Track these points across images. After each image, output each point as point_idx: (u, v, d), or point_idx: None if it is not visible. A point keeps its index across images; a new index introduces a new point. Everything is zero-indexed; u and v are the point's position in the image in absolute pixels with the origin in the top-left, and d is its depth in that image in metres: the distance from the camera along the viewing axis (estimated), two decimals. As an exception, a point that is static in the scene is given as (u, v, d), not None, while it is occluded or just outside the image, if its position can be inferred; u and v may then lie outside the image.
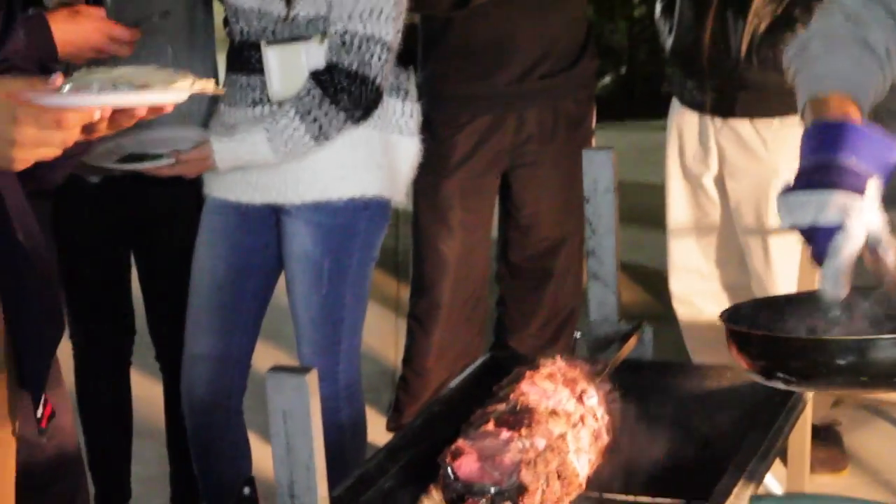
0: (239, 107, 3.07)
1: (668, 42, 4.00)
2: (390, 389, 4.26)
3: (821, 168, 1.93)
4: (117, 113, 1.97)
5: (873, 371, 1.85)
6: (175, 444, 3.65)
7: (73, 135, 1.91)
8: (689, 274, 4.05)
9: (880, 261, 1.92)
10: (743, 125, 3.78)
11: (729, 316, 2.10)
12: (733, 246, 4.02)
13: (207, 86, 2.09)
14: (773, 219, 3.78)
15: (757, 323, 2.11)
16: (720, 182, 3.96)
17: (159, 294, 3.56)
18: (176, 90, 2.00)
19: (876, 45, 2.19)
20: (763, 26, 3.75)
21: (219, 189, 3.17)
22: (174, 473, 3.72)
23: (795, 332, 2.09)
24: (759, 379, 1.99)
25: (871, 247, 1.90)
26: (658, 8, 4.13)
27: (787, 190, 1.94)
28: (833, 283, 1.89)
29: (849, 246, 1.87)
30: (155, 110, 2.01)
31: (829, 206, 1.88)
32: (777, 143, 3.70)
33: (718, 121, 3.85)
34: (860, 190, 1.89)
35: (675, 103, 4.04)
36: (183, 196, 3.23)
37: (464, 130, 3.84)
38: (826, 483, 3.95)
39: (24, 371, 2.25)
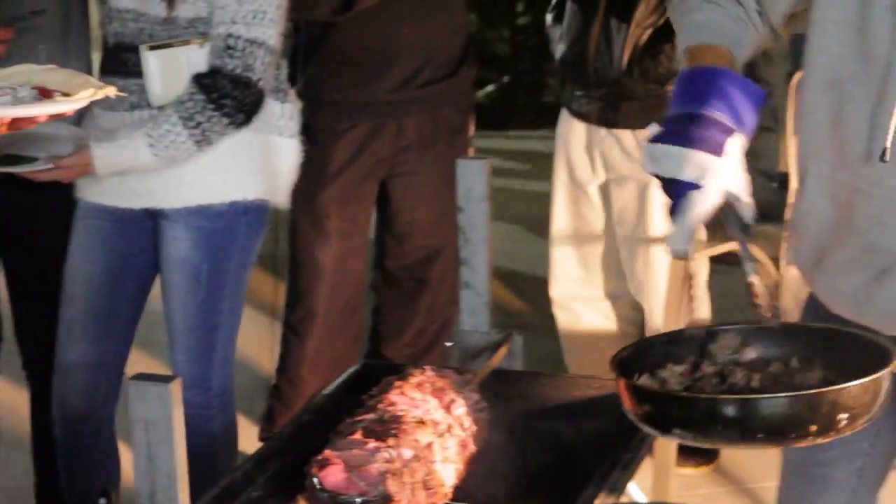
0: (116, 110, 3.04)
1: (558, 51, 4.03)
2: (264, 398, 4.25)
3: (686, 119, 1.97)
4: (18, 120, 1.98)
5: (764, 427, 1.85)
6: (41, 454, 3.61)
7: None
8: (569, 281, 4.08)
9: (759, 295, 1.98)
10: (626, 135, 3.83)
11: (622, 360, 2.08)
12: (613, 255, 4.07)
13: (109, 91, 2.10)
14: (653, 227, 3.84)
15: (649, 364, 2.12)
16: (605, 190, 4.01)
17: (28, 300, 3.52)
18: (81, 98, 1.99)
19: (747, 3, 2.24)
20: (644, 38, 3.79)
21: (93, 193, 3.14)
22: (39, 484, 3.69)
23: (686, 380, 2.11)
24: (648, 430, 1.98)
25: (727, 206, 1.95)
26: (549, 17, 4.14)
27: (655, 138, 1.96)
28: (679, 239, 1.95)
29: (701, 205, 1.91)
30: (53, 116, 2.02)
31: (688, 163, 1.92)
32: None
33: (603, 131, 3.90)
34: (721, 147, 1.92)
35: (564, 113, 4.07)
36: (52, 197, 3.19)
37: (343, 138, 3.84)
38: (691, 475, 4.03)
39: None
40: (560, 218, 4.10)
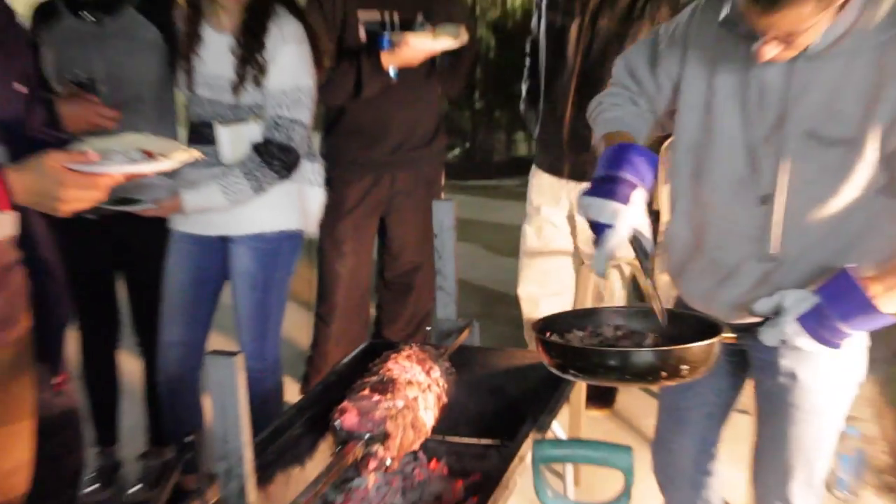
0: (198, 167, 3.00)
1: (535, 129, 3.98)
2: (302, 365, 4.24)
3: (606, 179, 1.99)
4: (131, 174, 1.98)
5: (632, 371, 1.90)
6: (150, 404, 3.59)
7: (103, 192, 1.90)
8: (533, 283, 4.04)
9: (651, 295, 2.02)
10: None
11: (541, 326, 2.13)
12: (566, 265, 4.03)
13: (196, 154, 2.10)
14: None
15: (560, 330, 2.15)
16: (570, 220, 3.96)
17: (139, 298, 3.50)
18: (177, 159, 1.99)
19: (640, 103, 2.27)
20: None
21: (183, 225, 3.13)
22: (149, 425, 3.66)
23: (587, 340, 2.15)
24: (556, 372, 2.01)
25: (635, 238, 1.98)
26: (522, 107, 4.11)
27: (586, 192, 1.99)
28: (599, 263, 1.97)
29: (613, 239, 1.95)
30: (156, 172, 2.03)
31: (604, 210, 1.95)
32: None
33: (573, 182, 3.83)
34: (628, 198, 1.95)
35: (535, 169, 4.00)
36: (155, 227, 3.18)
37: (353, 186, 3.83)
38: (595, 416, 4.03)
39: (42, 350, 2.22)
40: (530, 239, 4.04)
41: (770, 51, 1.89)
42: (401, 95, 3.72)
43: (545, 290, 4.01)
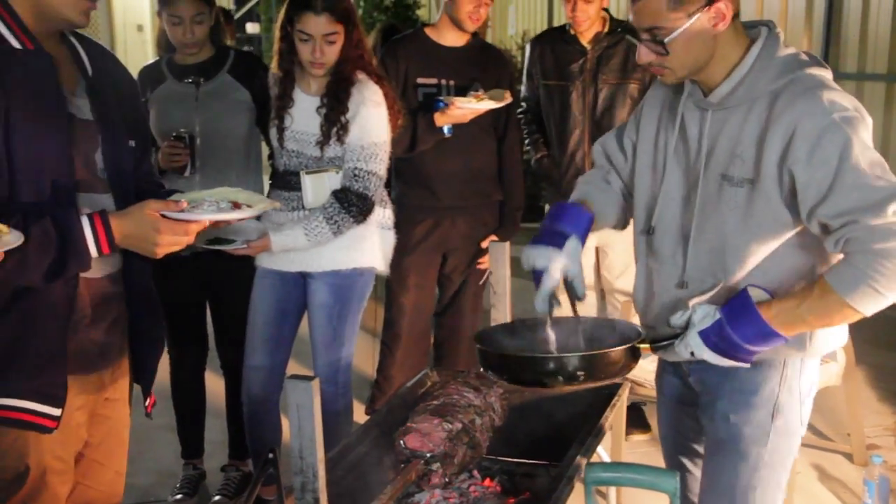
0: (283, 212, 3.05)
1: (539, 160, 4.02)
2: (368, 389, 4.22)
3: (545, 231, 2.04)
4: (220, 221, 2.00)
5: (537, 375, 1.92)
6: (233, 421, 3.59)
7: (193, 237, 1.92)
8: (567, 313, 4.00)
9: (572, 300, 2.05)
10: None
11: (480, 335, 2.15)
12: (589, 295, 3.98)
13: (275, 204, 2.13)
14: (631, 272, 3.81)
15: (497, 341, 2.15)
16: (596, 250, 3.96)
17: (223, 325, 3.51)
18: (257, 209, 2.02)
19: (611, 180, 2.26)
20: None
21: (267, 262, 3.14)
22: (231, 439, 3.66)
23: (524, 348, 2.13)
24: (490, 375, 2.07)
25: (567, 281, 2.02)
26: (534, 165, 4.13)
27: (530, 242, 2.03)
28: (541, 303, 2.01)
29: (549, 282, 1.99)
30: (241, 219, 2.05)
31: (539, 255, 2.00)
32: None
33: None
34: (562, 244, 1.99)
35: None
36: (242, 264, 3.20)
37: (417, 227, 3.83)
38: (634, 440, 3.94)
39: (137, 374, 2.24)
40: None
41: (646, 53, 1.91)
42: (458, 148, 3.74)
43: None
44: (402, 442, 1.98)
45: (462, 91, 3.68)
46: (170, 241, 1.91)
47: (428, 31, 3.80)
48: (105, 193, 2.01)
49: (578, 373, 1.90)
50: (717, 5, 1.83)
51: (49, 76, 1.89)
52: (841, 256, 1.80)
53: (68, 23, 1.92)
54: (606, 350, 1.95)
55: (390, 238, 3.24)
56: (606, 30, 3.89)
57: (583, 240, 2.07)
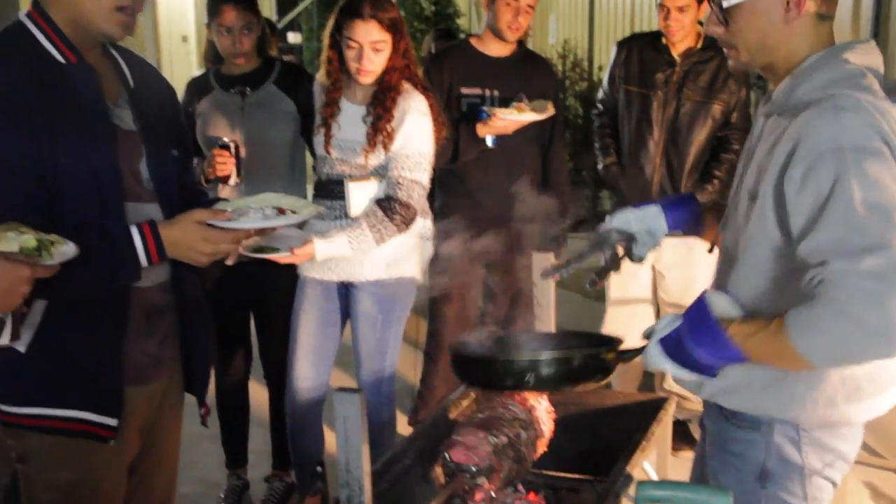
0: (326, 220, 3.06)
1: (607, 166, 3.93)
2: (411, 399, 4.21)
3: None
4: (266, 228, 2.00)
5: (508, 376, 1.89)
6: (276, 431, 3.61)
7: (238, 246, 1.95)
8: (617, 329, 3.93)
9: None
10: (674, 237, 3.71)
11: (457, 344, 2.13)
12: (646, 312, 3.94)
13: (319, 209, 2.14)
14: (689, 296, 3.74)
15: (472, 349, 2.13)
16: (654, 270, 3.89)
17: (268, 336, 3.53)
18: (303, 214, 2.02)
19: None
20: (698, 161, 3.71)
21: (310, 271, 3.16)
22: (275, 449, 3.68)
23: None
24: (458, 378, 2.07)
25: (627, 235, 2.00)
26: (602, 172, 4.04)
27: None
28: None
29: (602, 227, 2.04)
30: (287, 226, 2.06)
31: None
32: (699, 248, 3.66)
33: None
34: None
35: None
36: (284, 274, 3.21)
37: (459, 238, 3.81)
38: (680, 456, 3.88)
39: (190, 383, 2.26)
40: (615, 290, 3.97)
41: (713, 21, 1.79)
42: (501, 159, 3.72)
43: (629, 335, 3.92)
44: (447, 455, 1.96)
45: (506, 101, 3.66)
46: (216, 250, 1.93)
47: (472, 41, 3.80)
48: (151, 203, 2.04)
49: (527, 377, 1.85)
50: None
51: (92, 88, 1.92)
52: None
53: (106, 35, 1.95)
54: (552, 356, 1.89)
55: (428, 249, 3.24)
56: (699, 46, 3.77)
57: (673, 219, 1.97)
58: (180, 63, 14.37)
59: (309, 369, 3.20)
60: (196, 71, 3.63)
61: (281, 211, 2.02)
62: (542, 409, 2.22)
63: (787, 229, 1.63)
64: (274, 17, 13.50)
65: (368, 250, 2.98)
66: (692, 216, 2.03)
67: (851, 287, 1.47)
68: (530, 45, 4.74)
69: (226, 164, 3.16)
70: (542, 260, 2.65)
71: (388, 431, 3.24)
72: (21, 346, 1.86)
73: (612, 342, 1.96)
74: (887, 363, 1.69)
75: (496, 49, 3.74)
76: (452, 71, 3.72)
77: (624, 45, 3.97)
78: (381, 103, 2.99)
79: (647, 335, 1.76)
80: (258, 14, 3.32)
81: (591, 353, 1.91)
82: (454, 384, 3.86)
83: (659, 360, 1.71)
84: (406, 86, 3.03)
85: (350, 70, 3.01)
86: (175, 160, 2.13)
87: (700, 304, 1.67)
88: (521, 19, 3.65)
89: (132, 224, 1.89)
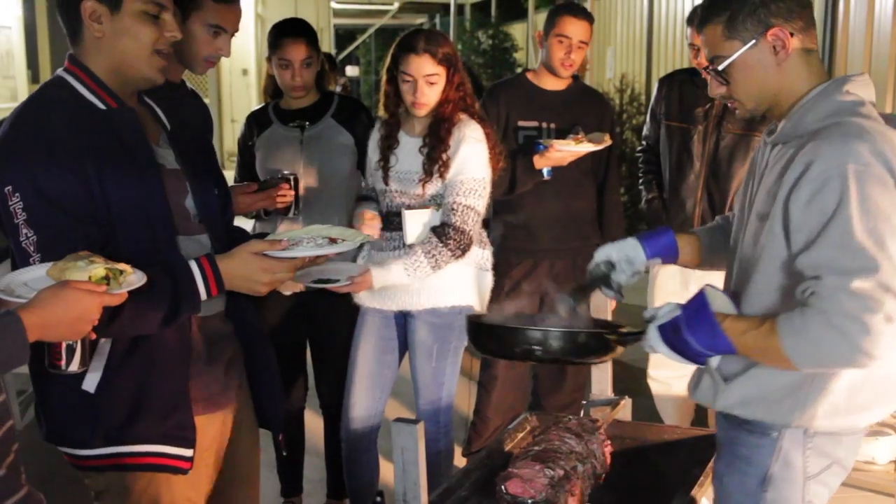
0: (385, 250, 3.09)
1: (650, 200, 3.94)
2: (465, 430, 4.21)
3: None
4: (320, 257, 2.04)
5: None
6: (332, 459, 3.62)
7: (293, 273, 1.99)
8: (663, 366, 3.90)
9: None
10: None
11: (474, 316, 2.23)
12: None
13: (371, 235, 2.17)
14: None
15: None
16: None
17: (324, 367, 3.55)
18: (355, 241, 2.06)
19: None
20: (733, 195, 3.66)
21: (369, 301, 3.18)
22: (329, 478, 3.69)
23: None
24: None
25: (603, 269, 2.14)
26: (645, 206, 4.04)
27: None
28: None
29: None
30: (338, 253, 2.10)
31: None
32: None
33: (699, 271, 3.68)
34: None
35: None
36: (341, 306, 3.24)
37: (515, 268, 3.82)
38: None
39: (260, 410, 2.29)
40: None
41: (714, 85, 1.92)
42: (557, 191, 3.73)
43: (676, 371, 3.89)
44: (503, 487, 1.97)
45: (563, 134, 3.68)
46: (274, 279, 1.96)
47: (529, 75, 3.84)
48: (201, 234, 2.09)
49: (535, 348, 1.93)
50: (773, 31, 1.82)
51: (135, 129, 1.98)
52: None
53: (146, 79, 1.99)
54: (563, 329, 1.97)
55: (488, 279, 3.24)
56: None
57: (650, 249, 2.11)
58: (240, 96, 14.66)
59: (365, 396, 3.22)
60: (255, 104, 3.70)
61: (332, 240, 2.05)
62: (599, 442, 2.21)
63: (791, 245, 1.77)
64: (333, 51, 13.70)
65: (425, 277, 2.99)
66: (667, 246, 2.16)
67: (839, 302, 1.64)
68: (587, 80, 4.76)
69: (286, 196, 3.20)
70: (599, 294, 2.64)
71: (444, 462, 3.23)
72: (91, 384, 1.92)
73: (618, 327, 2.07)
74: (892, 374, 1.83)
75: (552, 83, 3.77)
76: (509, 104, 3.75)
77: (665, 81, 4.00)
78: (436, 133, 3.03)
79: (648, 319, 1.88)
80: (318, 49, 3.38)
81: (595, 332, 2.01)
82: (507, 415, 3.87)
83: (656, 344, 1.85)
84: (462, 116, 3.07)
85: (406, 103, 3.06)
86: (216, 197, 2.18)
87: (700, 297, 1.81)
88: (574, 56, 3.67)
89: (190, 259, 1.93)
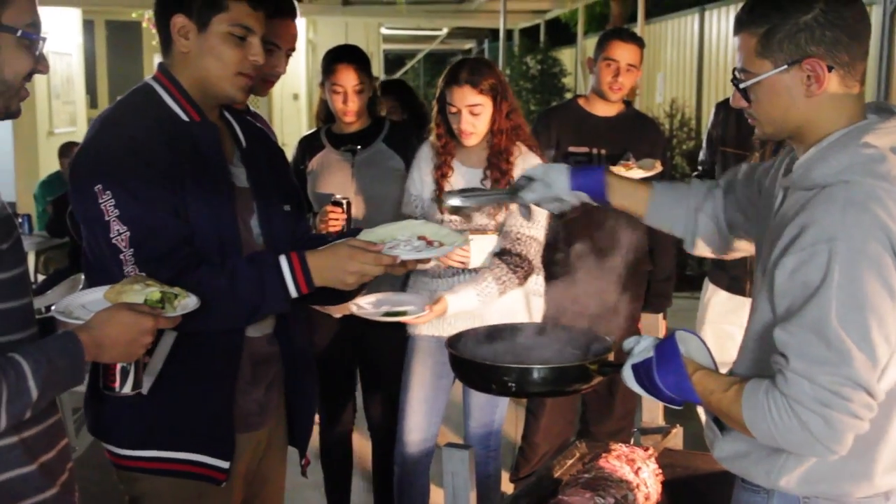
0: (444, 277, 3.10)
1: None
2: (512, 455, 4.18)
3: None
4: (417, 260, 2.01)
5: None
6: (379, 482, 3.61)
7: (383, 268, 1.95)
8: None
9: None
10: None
11: (452, 340, 2.10)
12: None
13: (466, 237, 2.15)
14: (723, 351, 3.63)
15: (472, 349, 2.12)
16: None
17: (373, 389, 3.55)
18: (450, 245, 2.01)
19: (716, 195, 2.04)
20: None
21: (425, 329, 3.17)
22: (377, 501, 3.67)
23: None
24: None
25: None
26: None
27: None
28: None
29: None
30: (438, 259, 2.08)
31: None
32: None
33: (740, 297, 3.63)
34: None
35: (711, 286, 3.83)
36: (392, 331, 3.24)
37: (565, 294, 3.80)
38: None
39: (293, 431, 2.30)
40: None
41: (737, 97, 1.73)
42: (606, 217, 3.71)
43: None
44: (553, 514, 1.95)
45: (613, 160, 3.67)
46: (363, 270, 1.92)
47: (580, 101, 3.84)
48: None
49: (509, 384, 1.88)
50: (809, 62, 1.60)
51: (214, 144, 2.02)
52: None
53: (228, 97, 2.04)
54: (534, 366, 1.91)
55: (539, 305, 3.23)
56: None
57: (576, 181, 2.01)
58: (290, 120, 14.83)
59: (421, 421, 3.21)
60: (305, 129, 3.75)
61: (428, 242, 2.02)
62: (650, 471, 2.18)
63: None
64: (382, 76, 13.83)
65: (491, 303, 3.00)
66: (596, 182, 2.04)
67: (803, 394, 1.51)
68: (637, 104, 4.75)
69: (338, 221, 3.23)
70: (651, 320, 2.62)
71: (493, 486, 3.23)
72: (145, 387, 1.93)
73: (607, 347, 2.03)
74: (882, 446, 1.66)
75: (602, 109, 3.76)
76: (560, 130, 3.75)
77: (721, 106, 3.94)
78: (497, 167, 3.05)
79: (627, 352, 1.79)
80: (370, 75, 3.42)
81: (572, 366, 1.95)
82: (555, 441, 3.84)
83: (630, 384, 1.76)
84: (522, 147, 3.09)
85: (455, 132, 3.08)
86: (287, 215, 2.19)
87: (671, 344, 1.71)
88: (622, 79, 3.67)
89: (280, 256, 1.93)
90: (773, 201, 1.76)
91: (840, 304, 1.50)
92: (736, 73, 1.72)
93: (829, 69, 1.61)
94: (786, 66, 1.62)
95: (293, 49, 2.69)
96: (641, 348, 1.75)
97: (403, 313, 2.72)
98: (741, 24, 1.69)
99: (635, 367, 1.74)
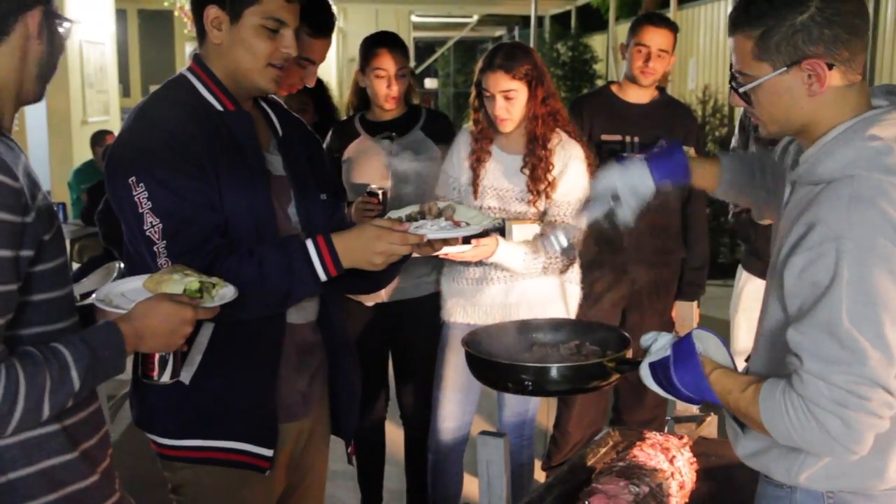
0: (471, 267, 3.10)
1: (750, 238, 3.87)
2: (544, 444, 4.19)
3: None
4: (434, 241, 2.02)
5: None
6: (412, 470, 3.63)
7: (410, 249, 1.96)
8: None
9: None
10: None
11: (469, 339, 2.13)
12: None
13: (493, 219, 2.17)
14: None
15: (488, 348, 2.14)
16: None
17: (406, 377, 3.57)
18: (477, 226, 2.04)
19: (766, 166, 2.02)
20: None
21: (461, 317, 3.19)
22: (409, 489, 3.71)
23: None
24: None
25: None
26: (732, 219, 4.00)
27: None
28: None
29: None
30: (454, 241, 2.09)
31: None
32: None
33: None
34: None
35: (745, 274, 3.83)
36: (426, 317, 3.25)
37: (598, 282, 3.80)
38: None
39: (336, 420, 2.32)
40: (742, 340, 3.86)
41: (734, 97, 1.71)
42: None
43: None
44: (587, 503, 1.96)
45: (646, 147, 3.64)
46: (391, 249, 1.93)
47: (613, 88, 3.82)
48: None
49: (526, 383, 1.89)
50: (809, 62, 1.57)
51: (249, 133, 2.04)
52: None
53: (259, 89, 2.06)
54: (551, 364, 1.92)
55: (576, 292, 3.24)
56: None
57: (659, 172, 1.96)
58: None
59: (456, 409, 3.23)
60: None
61: (456, 223, 2.04)
62: (685, 459, 2.18)
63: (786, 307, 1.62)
64: (412, 64, 13.82)
65: (531, 275, 3.02)
66: (678, 167, 2.01)
67: (819, 394, 1.50)
68: (669, 90, 4.72)
69: (373, 211, 3.23)
70: (685, 308, 2.61)
71: (526, 474, 3.25)
72: (186, 377, 1.97)
73: (624, 342, 2.04)
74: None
75: (636, 95, 3.74)
76: (593, 118, 3.73)
77: None
78: (534, 153, 3.04)
79: (645, 348, 1.79)
80: (409, 61, 3.42)
81: (590, 364, 1.96)
82: (588, 430, 3.84)
83: (647, 381, 1.76)
84: (562, 135, 3.08)
85: (491, 118, 3.07)
86: (323, 204, 2.20)
87: (688, 342, 1.70)
88: (654, 64, 3.65)
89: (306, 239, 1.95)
90: (782, 192, 1.76)
91: (851, 302, 1.48)
92: (734, 75, 1.69)
93: (830, 67, 1.58)
94: (785, 69, 1.60)
95: (323, 59, 2.71)
96: (659, 346, 1.74)
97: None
98: (735, 26, 1.65)
99: (652, 366, 1.74)
